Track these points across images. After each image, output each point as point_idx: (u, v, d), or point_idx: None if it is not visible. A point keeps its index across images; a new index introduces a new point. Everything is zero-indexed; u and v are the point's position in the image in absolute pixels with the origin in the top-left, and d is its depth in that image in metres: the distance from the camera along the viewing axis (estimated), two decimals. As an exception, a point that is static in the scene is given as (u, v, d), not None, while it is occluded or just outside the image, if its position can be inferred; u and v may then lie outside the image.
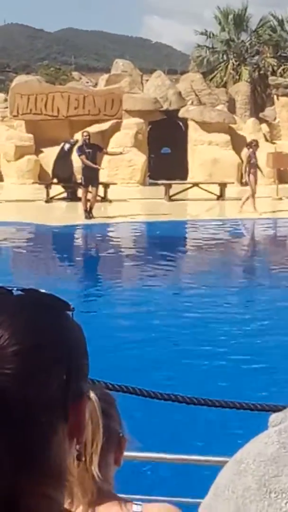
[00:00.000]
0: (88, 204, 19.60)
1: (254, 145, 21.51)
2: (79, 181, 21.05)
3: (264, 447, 1.22)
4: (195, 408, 3.27)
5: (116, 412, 1.92)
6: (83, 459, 1.67)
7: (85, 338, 1.03)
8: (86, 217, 19.32)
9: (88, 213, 19.45)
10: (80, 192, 23.47)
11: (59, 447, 0.97)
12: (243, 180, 21.15)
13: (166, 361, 7.89)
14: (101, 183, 24.81)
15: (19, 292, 1.00)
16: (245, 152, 21.47)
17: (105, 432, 1.82)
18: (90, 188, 19.86)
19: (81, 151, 20.26)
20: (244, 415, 3.39)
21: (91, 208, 19.61)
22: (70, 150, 23.75)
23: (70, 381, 0.97)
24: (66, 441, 0.99)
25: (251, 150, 21.15)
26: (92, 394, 1.72)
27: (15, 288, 1.00)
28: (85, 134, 20.95)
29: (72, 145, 23.91)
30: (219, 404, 3.11)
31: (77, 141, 24.58)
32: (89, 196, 19.89)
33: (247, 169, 21.05)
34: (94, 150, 20.23)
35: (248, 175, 20.87)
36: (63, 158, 23.63)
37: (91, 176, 19.89)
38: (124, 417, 1.94)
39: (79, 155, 20.42)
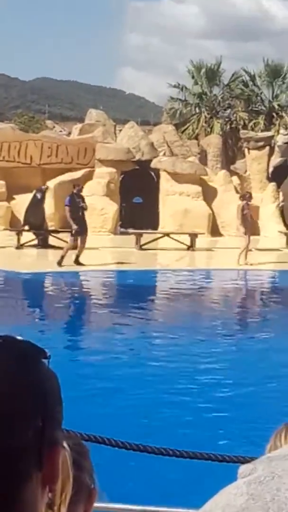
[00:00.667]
0: (67, 252, 19.43)
1: (247, 196, 21.77)
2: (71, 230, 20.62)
3: (233, 498, 1.22)
4: (164, 458, 3.26)
5: (88, 463, 1.90)
6: (54, 508, 1.66)
7: (59, 386, 1.04)
8: (58, 263, 19.24)
9: (74, 259, 19.40)
10: (51, 240, 23.54)
11: (32, 494, 0.97)
12: (241, 232, 21.33)
13: (138, 410, 7.83)
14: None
15: (-6, 339, 1.01)
16: (238, 203, 21.72)
17: (75, 484, 1.80)
18: (79, 239, 19.69)
19: (70, 202, 20.12)
20: (213, 466, 3.38)
21: (78, 256, 19.51)
22: (42, 197, 23.84)
23: (45, 428, 0.97)
24: (39, 489, 0.99)
25: (244, 202, 21.34)
26: (64, 444, 1.72)
27: (-11, 335, 1.02)
28: (78, 185, 20.82)
29: (44, 192, 23.99)
30: (187, 455, 3.11)
31: (47, 188, 24.64)
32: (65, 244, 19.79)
33: (241, 220, 21.20)
34: (82, 201, 20.08)
35: (244, 227, 20.99)
36: (35, 205, 23.69)
37: (82, 227, 19.77)
38: (96, 466, 1.92)
39: (66, 205, 20.29)
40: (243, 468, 1.32)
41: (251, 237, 21.19)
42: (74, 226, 19.75)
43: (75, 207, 19.82)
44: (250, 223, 21.21)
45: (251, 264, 20.54)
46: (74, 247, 19.67)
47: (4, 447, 0.93)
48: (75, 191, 20.41)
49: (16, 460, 0.94)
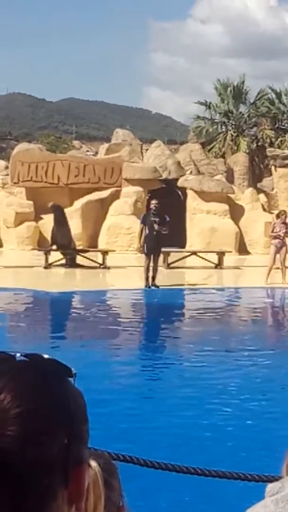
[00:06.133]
0: (150, 273, 19.36)
1: (282, 214, 21.78)
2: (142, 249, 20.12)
3: (261, 516, 1.22)
4: (192, 477, 3.24)
5: (117, 481, 1.91)
6: None
7: (85, 404, 1.05)
8: (146, 286, 19.28)
9: (151, 282, 19.28)
10: (78, 259, 23.62)
11: (58, 512, 0.97)
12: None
13: (163, 429, 7.81)
14: (100, 250, 24.96)
15: (22, 357, 1.02)
16: (274, 221, 21.87)
17: (105, 503, 1.80)
18: (152, 258, 19.47)
19: (143, 219, 20.02)
20: (241, 485, 3.36)
21: (153, 279, 19.35)
22: (61, 215, 23.64)
23: (70, 445, 0.98)
24: (65, 507, 0.99)
25: (279, 219, 21.36)
26: (94, 464, 1.72)
27: (18, 354, 1.03)
28: (154, 202, 20.22)
29: (56, 210, 23.71)
30: (216, 474, 3.09)
31: (52, 204, 24.10)
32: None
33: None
34: (161, 219, 19.63)
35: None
36: (59, 224, 23.56)
37: (152, 246, 19.53)
38: (124, 485, 1.93)
39: (140, 223, 20.24)
40: (270, 487, 1.31)
41: (277, 255, 21.10)
42: (144, 246, 19.72)
43: (148, 225, 19.59)
44: (282, 242, 21.09)
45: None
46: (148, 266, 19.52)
47: (29, 462, 0.94)
48: (151, 209, 20.01)
49: (41, 476, 0.95)
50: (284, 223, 21.26)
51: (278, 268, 21.09)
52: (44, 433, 0.96)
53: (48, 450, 0.95)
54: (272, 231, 21.35)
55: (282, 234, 21.04)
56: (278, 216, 21.97)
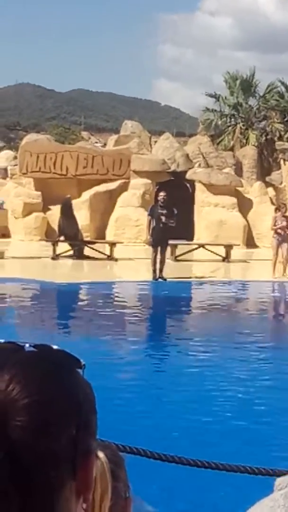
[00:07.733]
0: (158, 265, 19.34)
1: (282, 208, 21.86)
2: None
3: (270, 510, 1.21)
4: (200, 470, 3.23)
5: (124, 473, 1.91)
6: None
7: (94, 395, 1.04)
8: (154, 278, 19.28)
9: (158, 274, 19.27)
10: (86, 250, 23.63)
11: (66, 503, 0.97)
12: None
13: (170, 421, 7.81)
14: (107, 242, 24.96)
15: (32, 348, 1.02)
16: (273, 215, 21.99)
17: (112, 495, 1.79)
18: (159, 250, 19.44)
19: (151, 211, 19.99)
20: (249, 479, 3.35)
21: (160, 271, 19.33)
22: (69, 208, 23.61)
23: (79, 436, 0.98)
24: (73, 498, 0.98)
25: (279, 213, 21.41)
26: (102, 455, 1.71)
27: (27, 344, 1.02)
28: (162, 194, 20.09)
29: (65, 203, 23.68)
30: (223, 467, 3.09)
31: (69, 197, 24.13)
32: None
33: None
34: (169, 211, 19.54)
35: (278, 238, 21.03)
36: (66, 216, 23.54)
37: (159, 238, 19.48)
38: (131, 477, 1.92)
39: (148, 215, 20.24)
40: (279, 481, 1.30)
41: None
42: (149, 238, 19.69)
43: (155, 217, 19.51)
44: (283, 235, 21.10)
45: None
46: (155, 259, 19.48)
47: (37, 453, 0.93)
48: (158, 201, 20.00)
49: (49, 467, 0.95)
50: (284, 216, 21.32)
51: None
52: (53, 424, 0.95)
53: (56, 441, 0.95)
54: (274, 225, 21.32)
55: (285, 227, 21.10)
56: (278, 209, 22.05)
